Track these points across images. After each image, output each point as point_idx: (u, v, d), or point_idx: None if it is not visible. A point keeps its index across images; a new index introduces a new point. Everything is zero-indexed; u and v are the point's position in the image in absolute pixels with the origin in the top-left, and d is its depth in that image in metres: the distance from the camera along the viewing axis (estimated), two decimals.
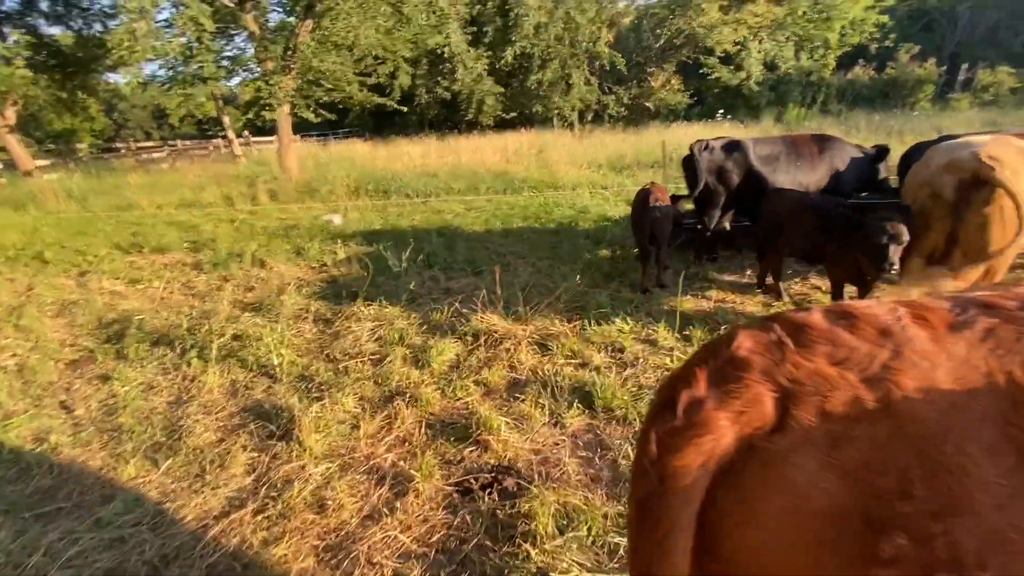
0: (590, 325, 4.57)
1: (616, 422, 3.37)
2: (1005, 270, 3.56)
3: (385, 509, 2.72)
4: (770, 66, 27.85)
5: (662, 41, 26.22)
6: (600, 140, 17.87)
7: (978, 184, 3.24)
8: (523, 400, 3.61)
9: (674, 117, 27.13)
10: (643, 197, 5.21)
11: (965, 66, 29.76)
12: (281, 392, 3.87)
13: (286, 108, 13.36)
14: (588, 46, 24.24)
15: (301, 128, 24.23)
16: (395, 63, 17.68)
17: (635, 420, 3.32)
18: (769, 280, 5.23)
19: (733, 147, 5.60)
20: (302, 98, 14.23)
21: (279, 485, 2.93)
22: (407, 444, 3.26)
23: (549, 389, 3.68)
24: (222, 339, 4.59)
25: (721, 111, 20.59)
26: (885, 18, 30.29)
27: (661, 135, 18.23)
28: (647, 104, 26.90)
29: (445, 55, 23.16)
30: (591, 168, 12.56)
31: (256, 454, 3.20)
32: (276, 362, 4.17)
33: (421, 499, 2.78)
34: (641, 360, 4.04)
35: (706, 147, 5.66)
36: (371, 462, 3.10)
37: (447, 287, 5.86)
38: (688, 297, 5.14)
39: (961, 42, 35.83)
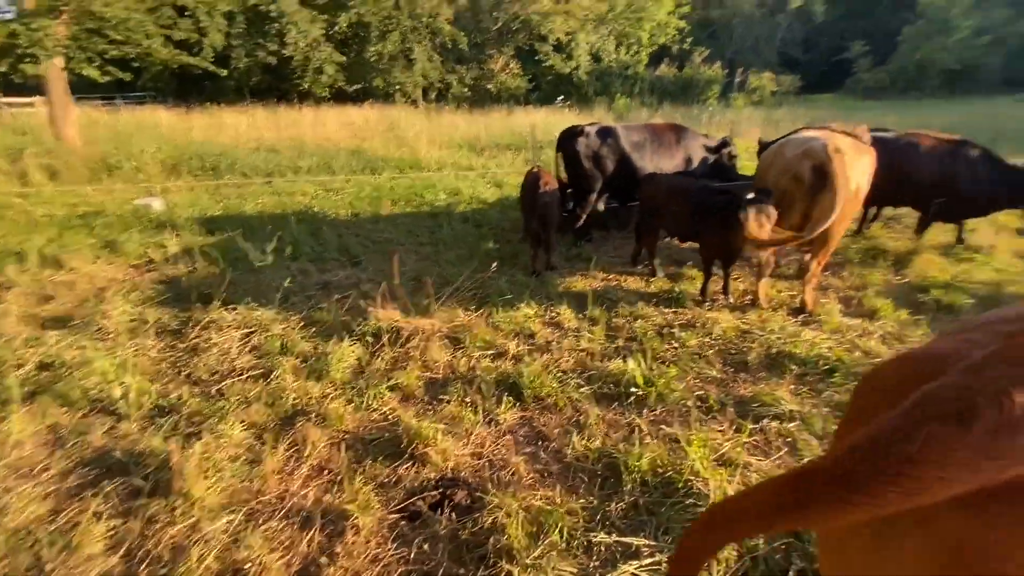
0: (496, 312, 4.43)
1: (548, 411, 3.30)
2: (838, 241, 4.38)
3: (323, 558, 2.27)
4: (595, 57, 30.29)
5: (499, 24, 26.66)
6: (450, 120, 17.57)
7: (825, 170, 3.83)
8: (448, 401, 3.34)
9: (515, 101, 28.06)
10: (532, 181, 5.19)
11: (740, 70, 35.95)
12: (134, 433, 3.00)
13: (59, 62, 10.44)
14: (428, 20, 23.52)
15: (77, 89, 19.46)
16: (207, 15, 14.95)
17: (565, 406, 3.30)
18: (643, 260, 5.65)
19: (607, 134, 5.86)
20: (79, 50, 11.28)
21: (165, 557, 2.25)
22: (327, 473, 2.78)
23: (474, 385, 3.46)
24: (22, 370, 3.40)
25: (561, 97, 21.71)
26: (683, 23, 35.04)
27: (511, 118, 18.70)
28: (489, 87, 27.24)
29: (272, 13, 20.39)
30: (450, 149, 12.27)
31: (119, 521, 2.42)
32: (117, 394, 3.22)
33: (363, 535, 2.38)
34: (554, 344, 4.04)
35: (581, 132, 5.83)
36: (287, 503, 2.57)
37: (323, 281, 5.19)
38: (578, 278, 5.30)
39: (736, 50, 43.15)
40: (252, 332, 4.12)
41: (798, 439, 2.91)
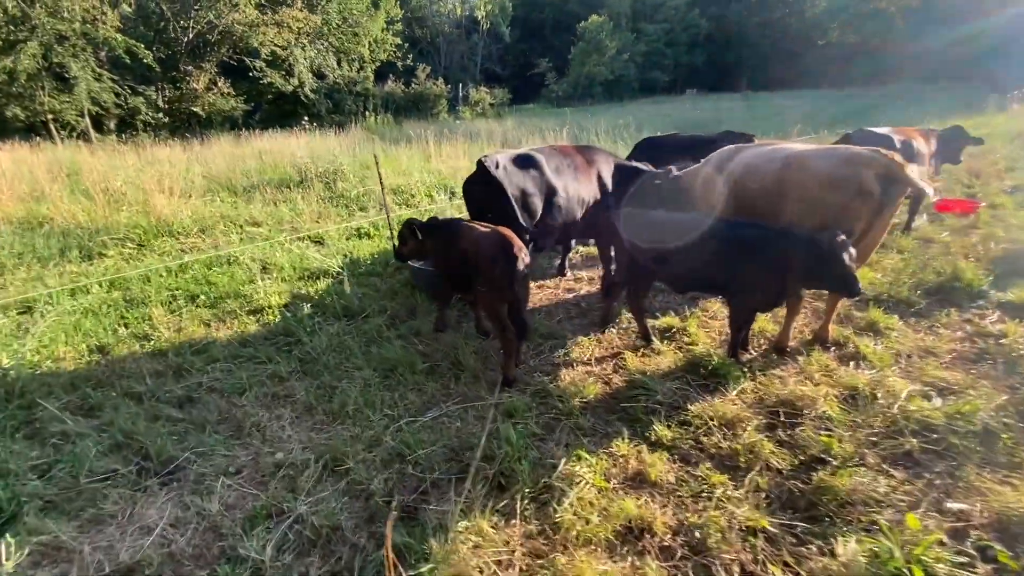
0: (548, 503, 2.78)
1: None
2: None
3: None
4: (319, 74, 27.67)
5: (191, 35, 21.65)
6: (162, 155, 13.15)
7: (895, 179, 3.38)
8: None
9: (232, 125, 23.43)
10: (503, 245, 3.49)
11: (459, 85, 38.10)
12: None
13: None
14: (84, 28, 17.33)
15: None
16: None
17: None
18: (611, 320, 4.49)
19: (527, 162, 4.59)
20: None
21: None
22: None
23: None
24: None
25: (307, 118, 18.79)
26: (398, 39, 35.02)
27: (245, 144, 15.09)
28: (195, 109, 21.99)
29: None
30: (198, 197, 8.86)
31: None
32: None
33: None
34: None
35: (497, 165, 4.43)
36: None
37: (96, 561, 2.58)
38: (567, 373, 3.96)
39: (447, 66, 45.63)
40: None
41: None
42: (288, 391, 3.56)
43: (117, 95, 19.16)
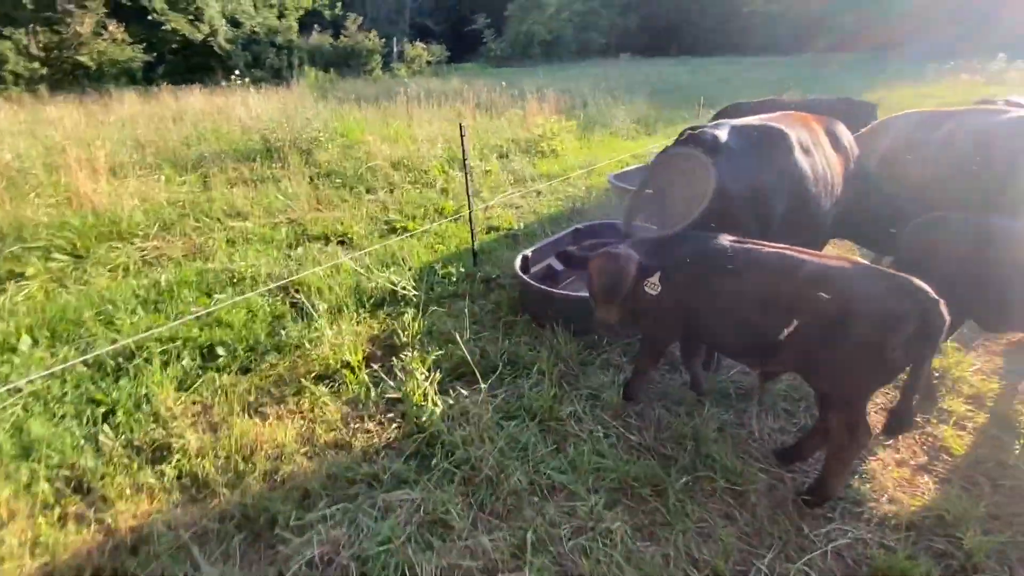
0: None
1: None
2: None
3: None
4: (233, 22, 23.55)
5: None
6: (40, 115, 10.08)
7: None
8: None
9: (130, 79, 19.33)
10: (910, 293, 1.97)
11: (395, 39, 34.62)
12: None
13: None
14: None
15: None
16: None
17: None
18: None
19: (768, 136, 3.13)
20: None
21: None
22: None
23: None
24: None
25: (237, 72, 15.59)
26: None
27: (148, 103, 12.06)
28: (80, 58, 17.76)
29: None
30: (137, 176, 6.47)
31: None
32: None
33: None
34: None
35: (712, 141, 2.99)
36: None
37: None
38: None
39: (373, 18, 41.27)
40: None
41: None
42: (472, 550, 2.07)
43: None
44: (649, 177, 3.08)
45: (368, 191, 6.86)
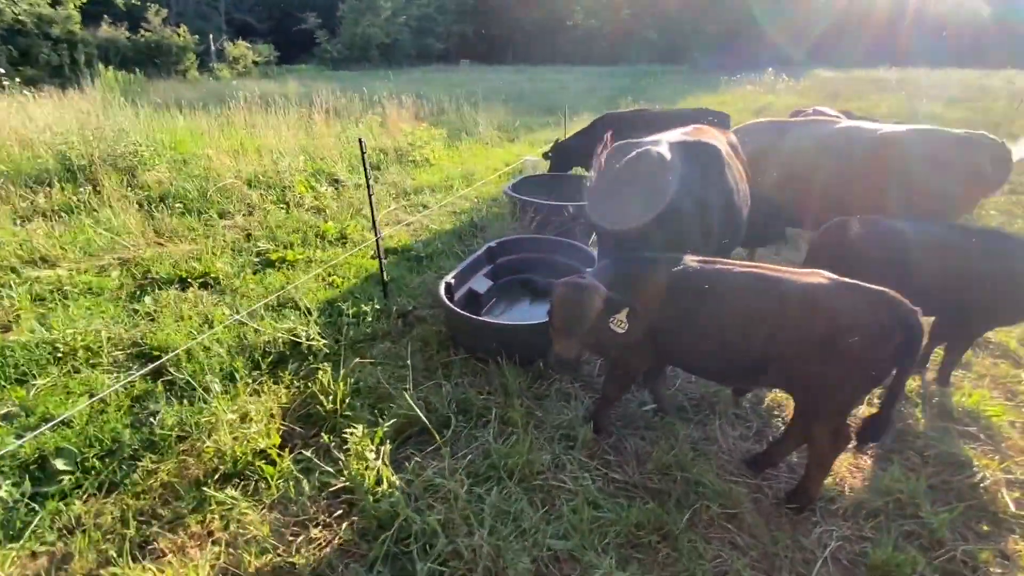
0: None
1: None
2: None
3: None
4: None
5: None
6: None
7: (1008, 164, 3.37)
8: None
9: None
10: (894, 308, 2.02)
11: (211, 36, 30.59)
12: None
13: None
14: None
15: None
16: None
17: None
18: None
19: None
20: None
21: None
22: None
23: None
24: None
25: (1, 71, 12.07)
26: None
27: None
28: None
29: None
30: None
31: None
32: None
33: None
34: None
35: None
36: None
37: None
38: None
39: (179, 12, 35.94)
40: None
41: None
42: None
43: None
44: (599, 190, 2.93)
45: (221, 215, 5.74)
